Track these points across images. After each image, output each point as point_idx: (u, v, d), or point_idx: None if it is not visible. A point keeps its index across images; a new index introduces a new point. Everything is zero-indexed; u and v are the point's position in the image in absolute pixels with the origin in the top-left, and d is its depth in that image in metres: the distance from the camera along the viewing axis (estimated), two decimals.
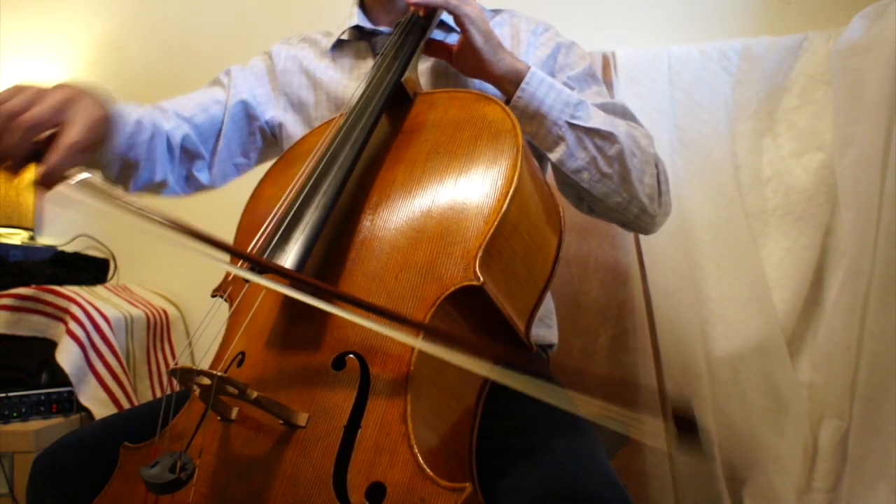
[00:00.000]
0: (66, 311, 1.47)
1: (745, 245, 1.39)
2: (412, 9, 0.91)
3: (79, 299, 1.50)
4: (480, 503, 0.60)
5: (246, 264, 0.67)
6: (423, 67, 1.01)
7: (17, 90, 0.67)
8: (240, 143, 1.10)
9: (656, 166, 0.93)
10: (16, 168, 0.67)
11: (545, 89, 0.87)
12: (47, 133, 0.67)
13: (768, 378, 1.35)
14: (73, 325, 1.45)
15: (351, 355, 0.64)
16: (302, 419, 0.61)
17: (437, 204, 0.70)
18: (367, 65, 1.04)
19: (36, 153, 0.66)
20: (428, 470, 0.55)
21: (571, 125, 0.87)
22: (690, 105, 1.45)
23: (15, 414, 1.38)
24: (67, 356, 1.43)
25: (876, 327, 1.23)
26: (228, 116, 1.06)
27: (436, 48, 0.95)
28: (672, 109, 1.45)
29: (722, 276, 1.41)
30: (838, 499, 1.28)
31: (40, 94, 0.67)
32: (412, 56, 0.88)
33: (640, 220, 0.94)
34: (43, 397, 1.42)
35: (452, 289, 0.63)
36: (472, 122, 0.75)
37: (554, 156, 0.88)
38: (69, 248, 1.83)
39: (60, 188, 0.65)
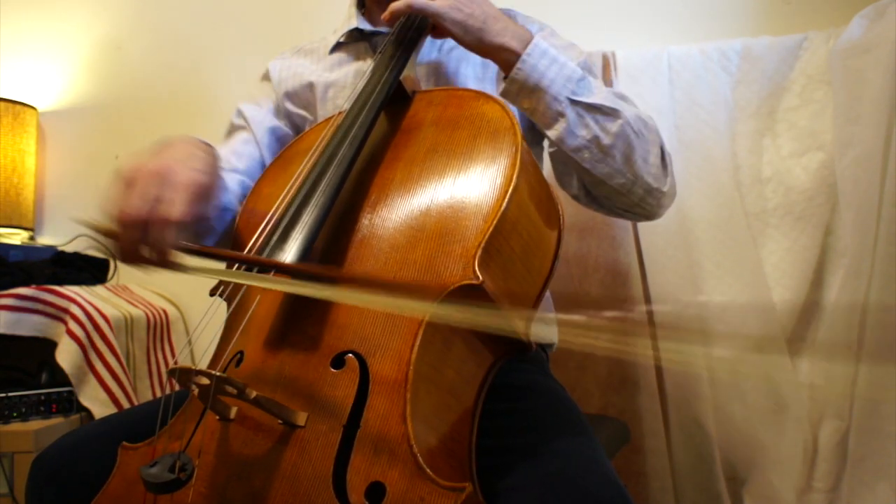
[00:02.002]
0: (66, 311, 1.47)
1: (745, 245, 1.39)
2: (386, 19, 0.88)
3: (79, 299, 1.50)
4: (480, 503, 0.60)
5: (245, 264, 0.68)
6: (422, 65, 1.01)
7: (122, 185, 0.65)
8: None
9: (661, 147, 0.90)
10: (133, 260, 0.65)
11: (546, 62, 0.83)
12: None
13: (768, 378, 1.35)
14: (73, 325, 1.45)
15: (350, 354, 0.64)
16: (301, 419, 0.61)
17: (436, 202, 0.70)
18: (368, 65, 1.04)
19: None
20: (427, 469, 0.55)
21: (572, 101, 0.83)
22: (690, 105, 1.45)
23: (15, 414, 1.38)
24: (67, 356, 1.43)
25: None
26: (265, 148, 1.06)
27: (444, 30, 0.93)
28: (672, 109, 1.45)
29: (722, 276, 1.40)
30: (838, 499, 1.28)
31: (138, 178, 0.64)
32: (410, 54, 0.88)
33: (644, 203, 0.90)
34: (43, 397, 1.42)
35: (452, 287, 0.63)
36: (470, 120, 0.75)
37: (553, 133, 0.85)
38: (69, 248, 1.83)
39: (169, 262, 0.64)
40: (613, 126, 0.84)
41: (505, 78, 0.86)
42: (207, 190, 0.70)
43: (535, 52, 0.83)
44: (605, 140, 0.84)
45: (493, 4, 0.88)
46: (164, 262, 0.64)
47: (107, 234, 0.64)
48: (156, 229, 0.62)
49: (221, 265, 0.72)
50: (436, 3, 0.84)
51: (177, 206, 0.63)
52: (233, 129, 1.10)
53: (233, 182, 0.98)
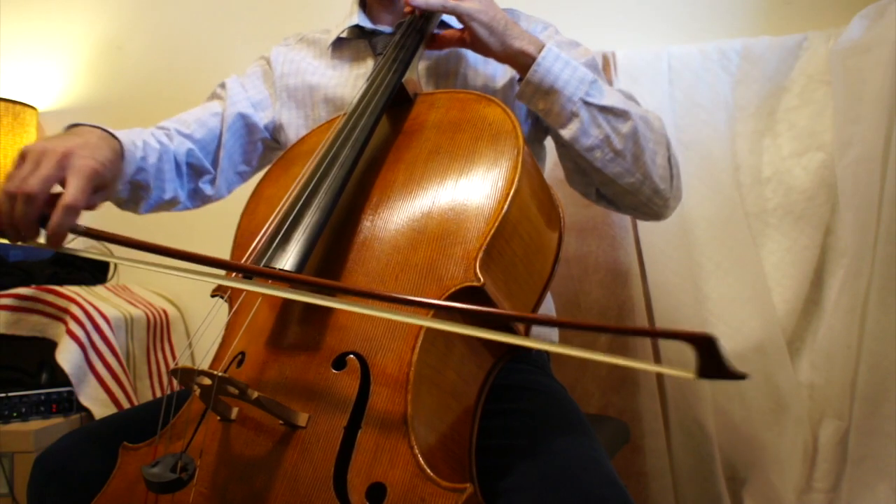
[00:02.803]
0: (66, 311, 1.47)
1: (745, 245, 1.39)
2: (408, 10, 0.91)
3: (79, 299, 1.50)
4: (481, 503, 0.60)
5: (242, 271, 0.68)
6: (423, 68, 1.01)
7: (21, 158, 0.69)
8: (241, 152, 1.10)
9: (668, 148, 0.93)
10: (26, 238, 0.69)
11: (560, 65, 0.86)
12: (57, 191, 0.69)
13: (768, 378, 1.35)
14: (73, 325, 1.45)
15: (351, 355, 0.64)
16: (302, 419, 0.61)
17: (438, 205, 0.70)
18: (367, 65, 1.04)
19: (44, 216, 0.68)
20: (428, 470, 0.55)
21: (586, 102, 0.86)
22: (690, 105, 1.45)
23: (15, 414, 1.38)
24: (67, 356, 1.43)
25: (876, 327, 1.23)
26: (227, 127, 1.07)
27: (446, 40, 0.95)
28: (672, 109, 1.45)
29: (722, 276, 1.41)
30: (838, 499, 1.28)
31: (39, 157, 0.69)
32: (413, 57, 0.89)
33: (652, 202, 0.93)
34: (43, 397, 1.42)
35: (453, 289, 0.63)
36: (472, 123, 0.76)
37: (567, 133, 0.88)
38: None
39: (67, 244, 0.68)
40: (624, 127, 0.87)
41: (520, 80, 0.89)
42: (102, 179, 0.74)
43: (549, 56, 0.86)
44: (617, 140, 0.87)
45: (501, 9, 0.91)
46: (56, 245, 0.67)
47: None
48: (33, 205, 0.66)
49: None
50: (465, 4, 0.86)
51: (72, 190, 0.67)
52: (211, 97, 1.11)
53: (181, 147, 1.01)
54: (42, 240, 0.68)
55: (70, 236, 0.68)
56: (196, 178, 1.06)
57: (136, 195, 0.96)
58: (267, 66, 1.13)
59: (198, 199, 1.08)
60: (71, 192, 0.67)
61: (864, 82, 1.29)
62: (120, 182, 0.88)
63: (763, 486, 1.34)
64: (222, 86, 1.11)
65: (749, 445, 1.37)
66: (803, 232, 1.37)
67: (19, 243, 0.69)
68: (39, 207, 0.67)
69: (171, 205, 1.04)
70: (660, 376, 1.42)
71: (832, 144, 1.35)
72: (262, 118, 1.09)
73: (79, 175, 0.69)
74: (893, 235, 1.21)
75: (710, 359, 0.45)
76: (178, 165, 1.01)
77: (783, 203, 1.40)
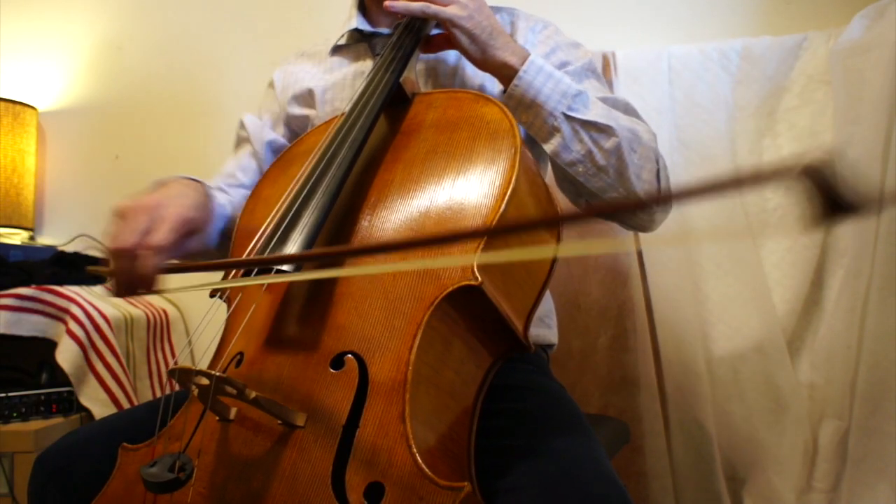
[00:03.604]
0: (66, 311, 1.47)
1: (745, 245, 1.39)
2: (390, 9, 0.89)
3: (79, 299, 1.50)
4: (479, 503, 0.60)
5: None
6: (422, 67, 1.01)
7: (115, 217, 0.71)
8: None
9: (657, 162, 0.91)
10: (138, 291, 0.70)
11: (543, 78, 0.85)
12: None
13: (768, 378, 1.35)
14: (73, 325, 1.45)
15: (349, 355, 0.64)
16: (300, 419, 0.61)
17: (436, 204, 0.70)
18: (367, 66, 1.04)
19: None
20: (426, 469, 0.55)
21: (567, 116, 0.85)
22: (690, 105, 1.45)
23: (15, 414, 1.39)
24: (67, 356, 1.43)
25: (876, 327, 1.23)
26: (263, 161, 1.08)
27: (440, 42, 0.94)
28: (672, 109, 1.45)
29: (722, 276, 1.40)
30: (838, 499, 1.28)
31: (130, 212, 0.71)
32: (410, 56, 0.88)
33: (637, 217, 0.92)
34: (43, 397, 1.42)
35: (450, 289, 0.63)
36: (470, 122, 0.75)
37: (549, 147, 0.87)
38: (69, 248, 1.83)
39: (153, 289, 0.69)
40: (607, 142, 0.85)
41: (503, 93, 0.87)
42: (193, 223, 0.77)
43: (531, 69, 0.85)
44: (599, 155, 0.85)
45: (493, 16, 0.90)
46: (152, 289, 0.69)
47: (109, 272, 0.69)
48: (142, 257, 0.68)
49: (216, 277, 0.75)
50: (448, 8, 0.85)
51: (160, 235, 0.70)
52: (239, 142, 1.13)
53: (239, 197, 1.03)
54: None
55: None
56: None
57: (224, 245, 0.97)
58: (271, 88, 1.15)
59: None
60: (158, 235, 0.70)
61: (864, 82, 1.29)
62: (210, 237, 0.90)
63: (763, 486, 1.34)
64: (242, 126, 1.12)
65: (749, 445, 1.37)
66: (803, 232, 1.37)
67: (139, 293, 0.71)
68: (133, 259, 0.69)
69: None
70: (660, 376, 1.42)
71: (832, 144, 1.35)
72: (282, 134, 1.11)
73: (167, 221, 0.72)
74: (893, 235, 1.21)
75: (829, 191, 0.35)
76: None
77: (783, 203, 1.40)
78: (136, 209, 0.72)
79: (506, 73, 0.86)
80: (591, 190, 0.88)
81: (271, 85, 1.15)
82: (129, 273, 0.68)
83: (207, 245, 0.89)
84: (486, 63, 0.87)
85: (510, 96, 0.85)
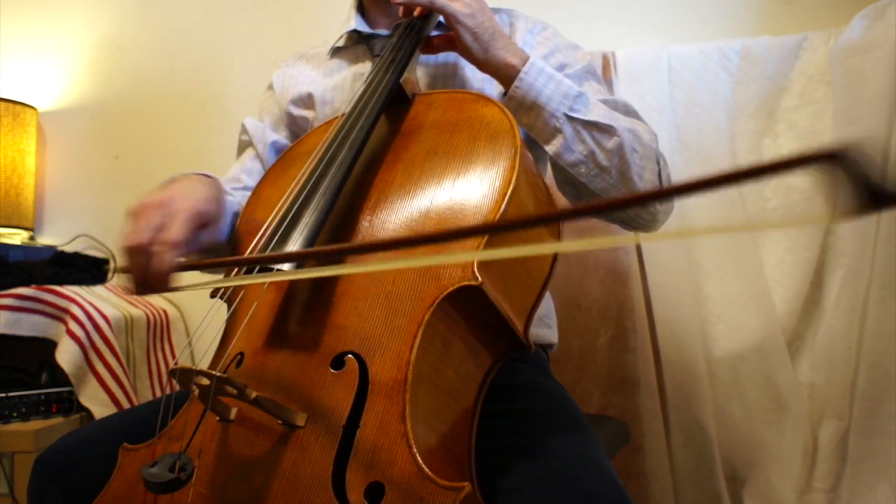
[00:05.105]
0: (66, 311, 1.47)
1: (745, 245, 1.39)
2: (399, 9, 0.91)
3: (79, 299, 1.50)
4: (479, 503, 0.60)
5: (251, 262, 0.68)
6: (422, 68, 1.01)
7: (127, 216, 0.72)
8: None
9: (658, 163, 0.91)
10: (156, 288, 0.70)
11: (544, 80, 0.85)
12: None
13: (768, 378, 1.35)
14: (73, 325, 1.45)
15: (350, 355, 0.64)
16: (301, 419, 0.61)
17: (436, 204, 0.70)
18: (367, 67, 1.04)
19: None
20: (426, 469, 0.55)
21: (569, 117, 0.84)
22: (690, 105, 1.45)
23: (15, 414, 1.39)
24: (67, 356, 1.43)
25: (876, 327, 1.23)
26: (267, 162, 1.08)
27: (440, 44, 0.94)
28: (672, 109, 1.45)
29: (722, 276, 1.40)
30: (838, 499, 1.28)
31: (142, 210, 0.71)
32: (410, 57, 0.88)
33: (640, 217, 0.92)
34: (43, 397, 1.42)
35: (451, 289, 0.63)
36: (470, 122, 0.75)
37: (551, 148, 0.86)
38: (69, 248, 1.83)
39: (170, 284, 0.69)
40: (610, 142, 0.85)
41: (503, 95, 0.87)
42: (206, 216, 0.78)
43: (532, 70, 0.85)
44: (602, 155, 0.85)
45: (494, 18, 0.89)
46: (167, 286, 0.69)
47: (126, 270, 0.70)
48: (158, 253, 0.68)
49: (219, 275, 0.74)
50: (454, 4, 0.85)
51: (174, 230, 0.70)
52: (242, 146, 1.13)
53: (245, 200, 1.03)
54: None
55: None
56: None
57: (233, 239, 0.96)
58: (271, 90, 1.15)
59: None
60: (172, 230, 0.70)
61: (864, 82, 1.29)
62: (223, 231, 0.90)
63: (763, 486, 1.34)
64: (243, 130, 1.12)
65: (749, 445, 1.37)
66: (803, 232, 1.37)
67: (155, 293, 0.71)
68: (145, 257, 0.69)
69: None
70: (660, 376, 1.42)
71: (832, 144, 1.35)
72: (284, 135, 1.11)
73: (179, 216, 0.72)
74: (893, 235, 1.21)
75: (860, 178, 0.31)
76: None
77: (783, 203, 1.40)
78: (148, 206, 0.72)
79: (507, 74, 0.86)
80: (593, 191, 0.88)
81: (270, 87, 1.15)
82: (145, 270, 0.68)
83: (219, 238, 0.89)
84: (487, 63, 0.87)
85: (511, 98, 0.85)
